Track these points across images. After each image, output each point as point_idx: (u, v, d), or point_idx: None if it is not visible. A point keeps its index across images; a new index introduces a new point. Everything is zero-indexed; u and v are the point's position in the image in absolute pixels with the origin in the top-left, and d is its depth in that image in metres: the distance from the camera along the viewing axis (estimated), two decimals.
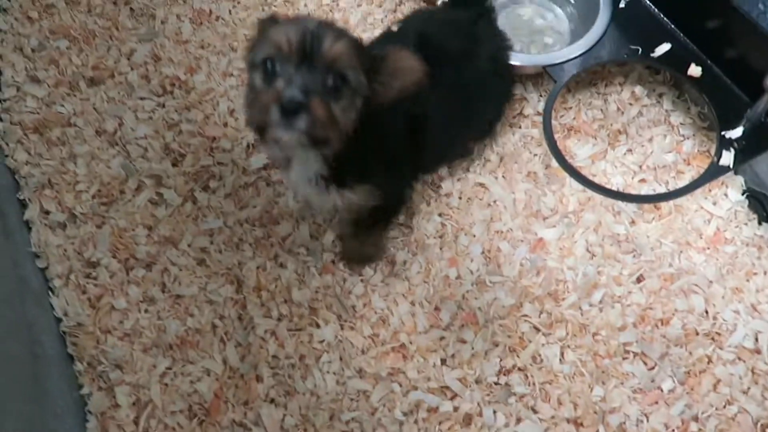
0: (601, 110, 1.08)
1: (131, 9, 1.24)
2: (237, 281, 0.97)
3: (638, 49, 1.00)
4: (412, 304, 0.95)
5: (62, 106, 1.12)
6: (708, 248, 0.97)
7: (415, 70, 0.71)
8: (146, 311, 0.95)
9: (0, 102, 1.11)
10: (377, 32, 1.18)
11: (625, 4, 1.05)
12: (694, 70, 0.96)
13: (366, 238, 0.95)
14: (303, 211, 1.02)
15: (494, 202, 1.02)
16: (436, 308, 0.94)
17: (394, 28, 0.94)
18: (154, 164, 1.06)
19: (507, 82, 1.02)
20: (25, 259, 0.96)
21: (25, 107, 1.11)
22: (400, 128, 0.83)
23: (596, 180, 1.01)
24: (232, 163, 1.07)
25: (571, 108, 1.09)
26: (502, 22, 1.14)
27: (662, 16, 1.02)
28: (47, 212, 1.02)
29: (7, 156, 1.06)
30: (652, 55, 0.99)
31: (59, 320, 0.94)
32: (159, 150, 1.07)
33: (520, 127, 1.08)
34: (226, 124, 1.10)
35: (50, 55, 1.16)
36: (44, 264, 0.98)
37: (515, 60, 1.02)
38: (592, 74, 1.09)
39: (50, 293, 0.96)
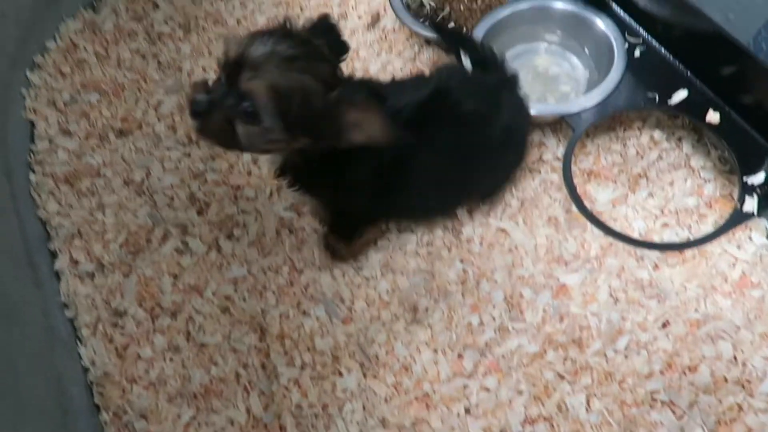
0: (621, 155, 1.09)
1: (159, 62, 1.28)
2: (260, 329, 0.98)
3: (655, 97, 1.01)
4: (435, 351, 0.94)
5: (92, 157, 1.15)
6: (734, 293, 0.96)
7: (377, 130, 0.71)
8: (171, 360, 0.96)
9: (33, 154, 1.15)
10: None
11: (640, 53, 1.07)
12: (713, 116, 0.97)
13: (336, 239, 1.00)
14: None
15: (515, 247, 1.03)
16: (459, 356, 0.94)
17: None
18: (180, 213, 1.08)
19: (518, 155, 1.03)
20: (54, 309, 0.98)
21: (57, 159, 1.14)
22: (366, 166, 0.83)
23: (618, 224, 1.01)
24: (255, 211, 1.09)
25: (590, 153, 1.09)
26: (519, 70, 1.16)
27: (678, 63, 1.04)
28: (76, 262, 1.04)
29: (38, 207, 1.09)
30: (669, 101, 1.00)
31: (86, 370, 0.95)
32: (185, 199, 1.10)
33: (539, 172, 1.09)
34: (249, 173, 1.13)
35: (81, 108, 1.20)
36: (73, 314, 1.00)
37: (532, 110, 1.04)
38: (610, 120, 1.10)
39: (78, 343, 0.97)
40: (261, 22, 1.33)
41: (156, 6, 1.36)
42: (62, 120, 1.19)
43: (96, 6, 1.36)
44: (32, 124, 1.18)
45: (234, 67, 0.69)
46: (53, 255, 1.05)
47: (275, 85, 0.68)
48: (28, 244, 1.01)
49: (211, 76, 1.23)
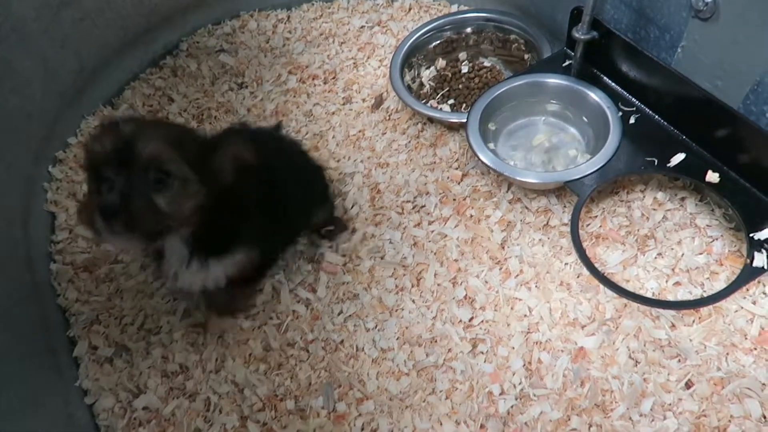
0: (626, 217, 1.11)
1: None
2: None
3: (654, 160, 1.04)
4: (457, 423, 0.93)
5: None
6: (755, 349, 0.95)
7: (244, 153, 0.77)
8: None
9: (53, 244, 1.18)
10: (402, 156, 1.26)
11: (635, 120, 1.11)
12: (712, 177, 0.99)
13: (237, 295, 1.01)
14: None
15: (530, 312, 1.03)
16: (482, 426, 0.92)
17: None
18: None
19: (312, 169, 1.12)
20: (74, 396, 0.98)
21: (77, 248, 1.18)
22: (254, 198, 0.87)
23: (630, 285, 1.02)
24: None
25: (596, 217, 1.12)
26: (520, 142, 1.22)
27: (672, 128, 1.08)
28: (95, 348, 1.05)
29: (59, 295, 1.11)
30: (668, 165, 1.03)
31: None
32: None
33: (548, 238, 1.11)
34: None
35: None
36: (92, 400, 0.99)
37: (535, 178, 1.07)
38: (612, 184, 1.13)
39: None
40: (270, 108, 1.40)
41: (171, 100, 1.44)
42: None
43: (114, 103, 1.44)
44: (53, 216, 1.22)
45: (119, 153, 0.68)
46: (72, 342, 1.06)
47: (165, 137, 0.71)
48: (49, 333, 1.02)
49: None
